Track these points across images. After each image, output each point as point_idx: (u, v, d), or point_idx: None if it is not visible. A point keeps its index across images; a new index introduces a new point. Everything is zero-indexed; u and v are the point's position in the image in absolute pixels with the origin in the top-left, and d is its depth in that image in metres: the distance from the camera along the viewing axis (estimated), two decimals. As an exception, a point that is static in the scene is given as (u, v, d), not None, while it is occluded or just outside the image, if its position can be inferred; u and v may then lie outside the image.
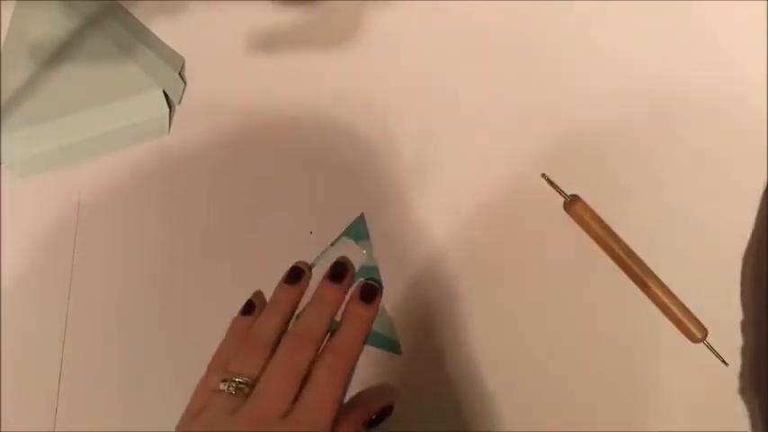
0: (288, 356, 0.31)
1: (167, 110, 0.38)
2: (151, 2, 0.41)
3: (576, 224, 0.37)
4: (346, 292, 0.34)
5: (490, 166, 0.38)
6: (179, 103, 0.40)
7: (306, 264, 0.35)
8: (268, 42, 0.41)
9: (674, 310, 0.35)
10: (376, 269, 0.36)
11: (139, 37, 0.40)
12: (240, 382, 0.29)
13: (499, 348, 0.34)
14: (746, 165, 0.39)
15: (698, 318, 0.35)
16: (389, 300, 0.35)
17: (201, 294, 0.36)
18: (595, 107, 0.40)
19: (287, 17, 0.41)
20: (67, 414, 0.34)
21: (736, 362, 0.35)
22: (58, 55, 0.38)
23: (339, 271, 0.34)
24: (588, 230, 0.37)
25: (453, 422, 0.33)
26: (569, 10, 0.42)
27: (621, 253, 0.36)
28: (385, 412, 0.32)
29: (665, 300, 0.35)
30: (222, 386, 0.29)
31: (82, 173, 0.38)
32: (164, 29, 0.41)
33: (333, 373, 0.30)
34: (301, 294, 0.34)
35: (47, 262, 0.36)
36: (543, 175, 0.38)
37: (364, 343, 0.33)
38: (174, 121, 0.39)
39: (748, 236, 0.37)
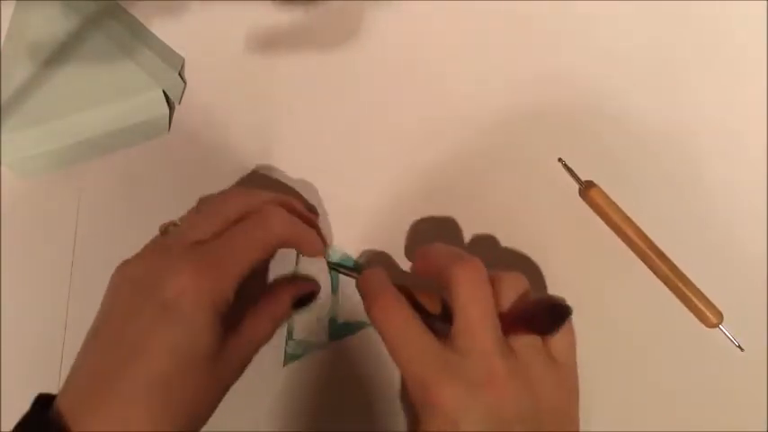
0: (219, 199, 0.31)
1: (167, 110, 0.38)
2: (151, 2, 0.41)
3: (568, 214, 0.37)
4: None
5: (504, 161, 0.39)
6: (179, 103, 0.40)
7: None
8: (268, 42, 0.41)
9: (690, 295, 0.35)
10: (350, 258, 0.36)
11: (139, 37, 0.40)
12: (175, 226, 0.30)
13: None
14: (747, 163, 0.39)
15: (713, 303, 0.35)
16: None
17: (201, 294, 0.36)
18: (597, 105, 0.40)
19: (287, 17, 0.41)
20: (67, 414, 0.34)
21: (750, 347, 0.35)
22: (57, 55, 0.38)
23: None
24: (603, 216, 0.37)
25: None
26: (571, 10, 0.42)
27: (637, 238, 0.36)
28: (311, 296, 0.33)
29: (681, 285, 0.35)
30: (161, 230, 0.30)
31: (82, 173, 0.38)
32: (164, 29, 0.41)
33: (258, 227, 0.29)
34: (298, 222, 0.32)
35: (47, 262, 0.36)
36: (560, 159, 0.38)
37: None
38: (174, 121, 0.39)
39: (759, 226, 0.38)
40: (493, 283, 0.28)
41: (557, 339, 0.28)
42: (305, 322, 0.35)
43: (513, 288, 0.28)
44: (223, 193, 0.32)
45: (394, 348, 0.27)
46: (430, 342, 0.27)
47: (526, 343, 0.27)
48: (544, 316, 0.27)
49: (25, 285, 0.36)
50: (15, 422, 0.26)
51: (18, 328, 0.35)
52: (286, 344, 0.35)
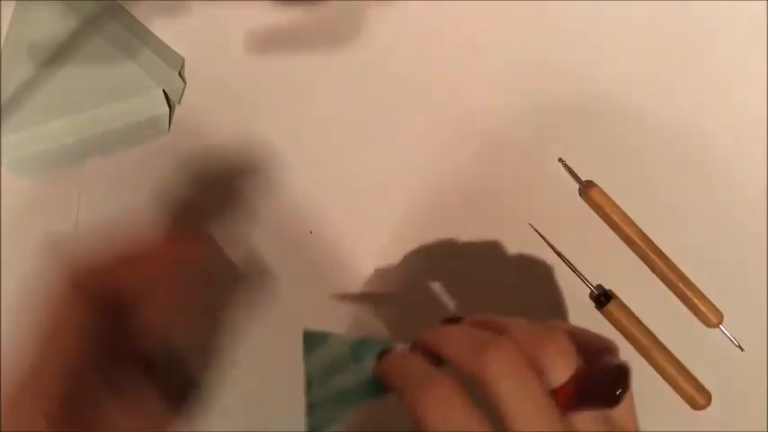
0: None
1: (167, 110, 0.38)
2: (151, 2, 0.41)
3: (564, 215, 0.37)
4: None
5: (505, 161, 0.39)
6: (179, 102, 0.40)
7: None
8: (268, 42, 0.41)
9: (690, 295, 0.35)
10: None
11: (139, 37, 0.40)
12: None
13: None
14: (747, 163, 0.39)
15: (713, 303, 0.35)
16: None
17: (201, 294, 0.36)
18: (598, 105, 0.40)
19: (287, 17, 0.41)
20: (67, 414, 0.34)
21: (750, 347, 0.35)
22: (57, 55, 0.38)
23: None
24: (603, 216, 0.37)
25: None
26: (572, 10, 0.42)
27: (636, 238, 0.36)
28: None
29: (681, 285, 0.35)
30: None
31: (82, 173, 0.38)
32: (164, 29, 0.41)
33: None
34: None
35: (46, 262, 0.36)
36: (560, 159, 0.38)
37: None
38: (174, 121, 0.39)
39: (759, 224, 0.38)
40: (535, 363, 0.23)
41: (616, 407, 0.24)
42: None
43: (563, 365, 0.23)
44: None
45: None
46: None
47: (587, 418, 0.23)
48: (603, 388, 0.24)
49: (25, 286, 0.36)
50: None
51: (18, 328, 0.35)
52: None
